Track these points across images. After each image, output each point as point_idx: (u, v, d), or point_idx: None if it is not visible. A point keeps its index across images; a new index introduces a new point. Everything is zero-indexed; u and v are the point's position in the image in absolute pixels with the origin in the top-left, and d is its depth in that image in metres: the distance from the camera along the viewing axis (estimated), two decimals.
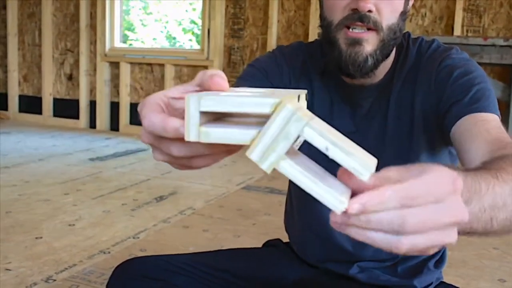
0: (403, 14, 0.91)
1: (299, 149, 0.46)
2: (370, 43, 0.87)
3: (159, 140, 0.46)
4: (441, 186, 0.41)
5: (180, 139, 0.43)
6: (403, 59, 0.96)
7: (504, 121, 3.59)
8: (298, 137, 0.41)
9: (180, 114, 0.45)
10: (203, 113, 0.42)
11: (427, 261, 1.05)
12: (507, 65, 3.30)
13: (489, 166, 0.59)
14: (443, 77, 0.90)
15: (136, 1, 7.06)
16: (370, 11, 0.85)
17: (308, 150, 0.47)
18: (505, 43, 3.20)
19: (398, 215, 0.40)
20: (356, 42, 0.87)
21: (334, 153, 0.40)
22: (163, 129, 0.44)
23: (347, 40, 0.87)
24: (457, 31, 3.82)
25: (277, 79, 1.00)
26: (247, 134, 0.41)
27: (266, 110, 0.41)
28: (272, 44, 4.32)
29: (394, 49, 0.94)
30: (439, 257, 1.07)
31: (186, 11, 7.17)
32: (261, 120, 0.42)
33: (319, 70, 1.01)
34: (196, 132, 0.41)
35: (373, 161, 0.42)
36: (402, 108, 0.95)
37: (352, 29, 0.87)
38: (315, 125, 0.40)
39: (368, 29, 0.86)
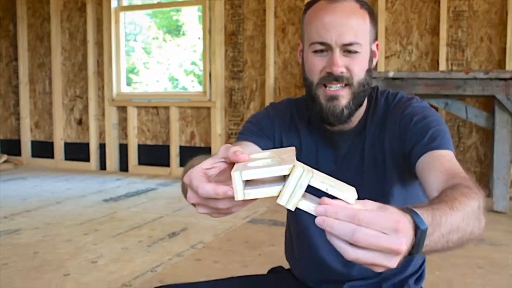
0: (369, 71, 1.13)
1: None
2: (344, 97, 1.10)
3: (206, 200, 0.69)
4: (386, 221, 0.60)
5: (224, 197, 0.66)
6: (374, 108, 1.19)
7: (490, 147, 3.82)
8: (308, 185, 0.64)
9: (213, 179, 0.68)
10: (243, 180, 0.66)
11: (408, 278, 1.24)
12: (490, 95, 3.53)
13: (445, 198, 0.81)
14: (405, 122, 1.12)
15: (137, 42, 7.37)
16: (342, 72, 1.08)
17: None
18: (485, 76, 3.44)
19: (349, 228, 0.60)
20: (333, 98, 1.10)
21: (331, 191, 0.63)
22: (215, 194, 0.67)
23: (326, 97, 1.10)
24: (442, 65, 4.09)
25: (270, 131, 1.23)
26: (276, 189, 0.64)
27: (285, 172, 0.64)
28: (270, 84, 4.59)
29: (366, 99, 1.17)
30: (418, 274, 1.27)
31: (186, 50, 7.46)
32: (277, 177, 0.66)
33: (305, 120, 1.24)
34: (242, 193, 0.65)
35: (354, 191, 0.66)
36: (375, 149, 1.17)
37: (329, 88, 1.09)
38: (317, 176, 0.64)
39: (342, 86, 1.09)
